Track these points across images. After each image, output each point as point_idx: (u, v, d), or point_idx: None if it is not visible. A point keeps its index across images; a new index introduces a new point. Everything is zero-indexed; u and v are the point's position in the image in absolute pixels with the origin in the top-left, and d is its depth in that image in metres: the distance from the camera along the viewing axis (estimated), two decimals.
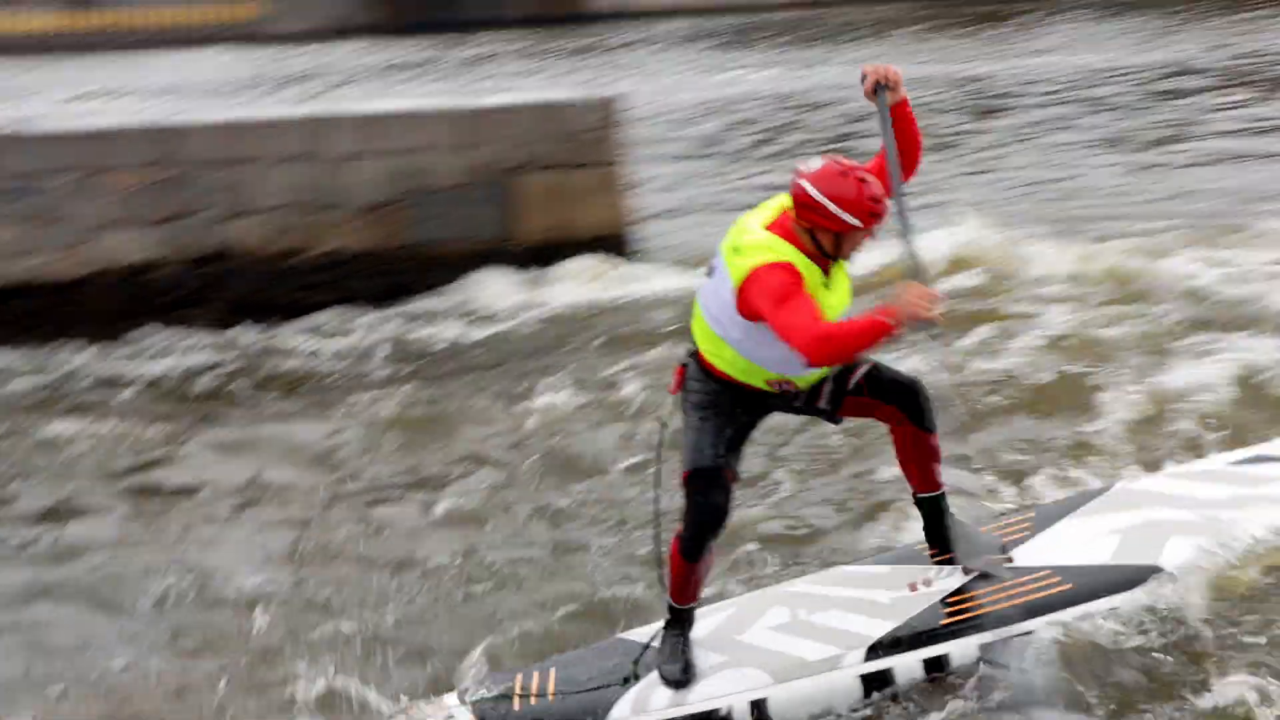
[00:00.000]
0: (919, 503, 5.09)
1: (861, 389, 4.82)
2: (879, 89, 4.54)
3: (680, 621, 4.85)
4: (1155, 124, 19.15)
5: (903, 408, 4.84)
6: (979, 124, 20.80)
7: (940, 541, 5.07)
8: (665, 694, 4.70)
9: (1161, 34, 31.83)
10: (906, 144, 4.59)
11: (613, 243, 12.32)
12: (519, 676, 4.93)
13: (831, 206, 4.36)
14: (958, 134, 19.69)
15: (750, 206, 4.74)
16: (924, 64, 28.81)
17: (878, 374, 4.84)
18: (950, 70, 27.46)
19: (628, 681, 4.76)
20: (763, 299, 4.36)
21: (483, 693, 4.85)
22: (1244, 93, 21.02)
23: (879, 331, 4.20)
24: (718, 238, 4.70)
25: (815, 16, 49.28)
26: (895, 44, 36.91)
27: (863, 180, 4.38)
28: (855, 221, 4.37)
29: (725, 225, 4.74)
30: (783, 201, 4.57)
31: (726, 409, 4.72)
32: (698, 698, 4.68)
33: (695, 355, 4.78)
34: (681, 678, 4.73)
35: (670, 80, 31.09)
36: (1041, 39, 34.26)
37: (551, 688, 4.81)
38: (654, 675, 4.76)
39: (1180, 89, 22.18)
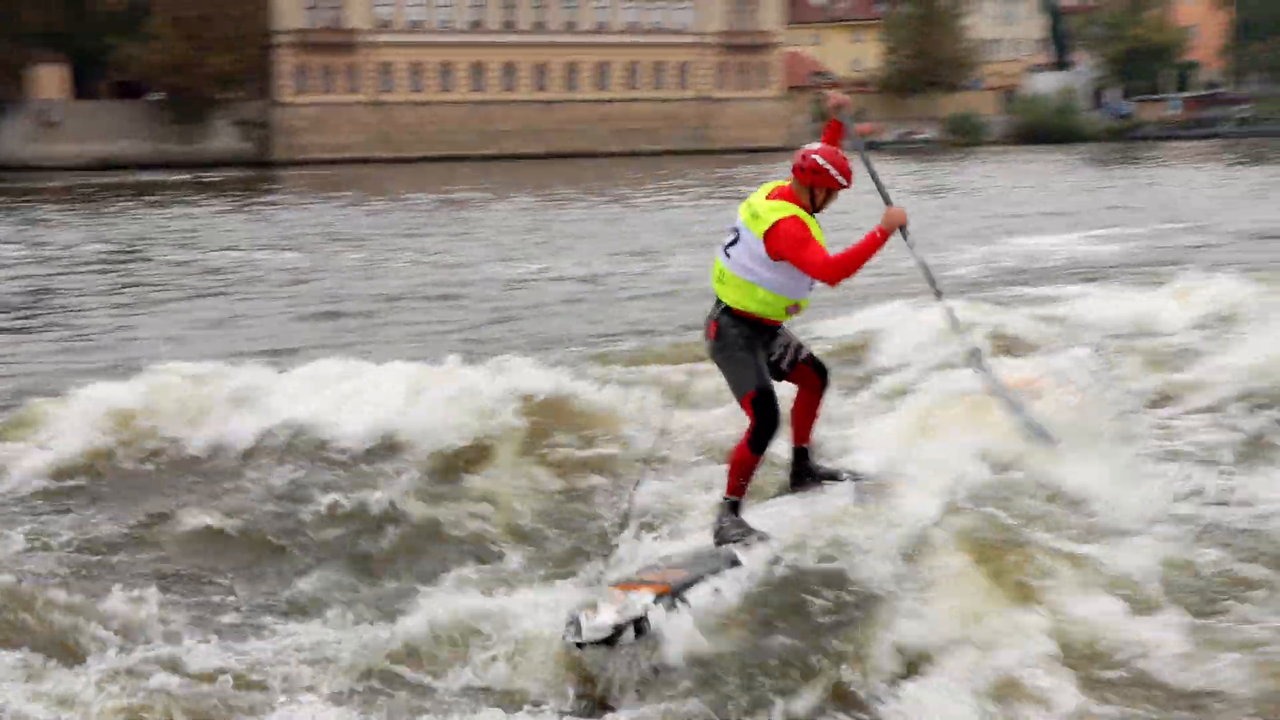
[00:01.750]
0: (796, 451, 7.34)
1: (803, 362, 7.10)
2: (839, 111, 7.18)
3: (737, 508, 6.81)
4: None
5: (820, 379, 7.19)
6: None
7: (799, 483, 7.35)
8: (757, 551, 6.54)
9: None
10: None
11: None
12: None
13: (833, 171, 6.73)
14: None
15: None
16: None
17: (812, 356, 7.17)
18: None
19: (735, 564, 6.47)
20: (788, 244, 6.57)
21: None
22: None
23: (876, 244, 6.59)
24: None
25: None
26: None
27: (845, 157, 6.82)
28: (844, 181, 6.78)
29: None
30: (775, 183, 6.86)
31: (758, 344, 6.86)
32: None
33: (726, 309, 6.85)
34: (760, 536, 6.63)
35: None
36: None
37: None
38: (744, 544, 6.59)
39: None
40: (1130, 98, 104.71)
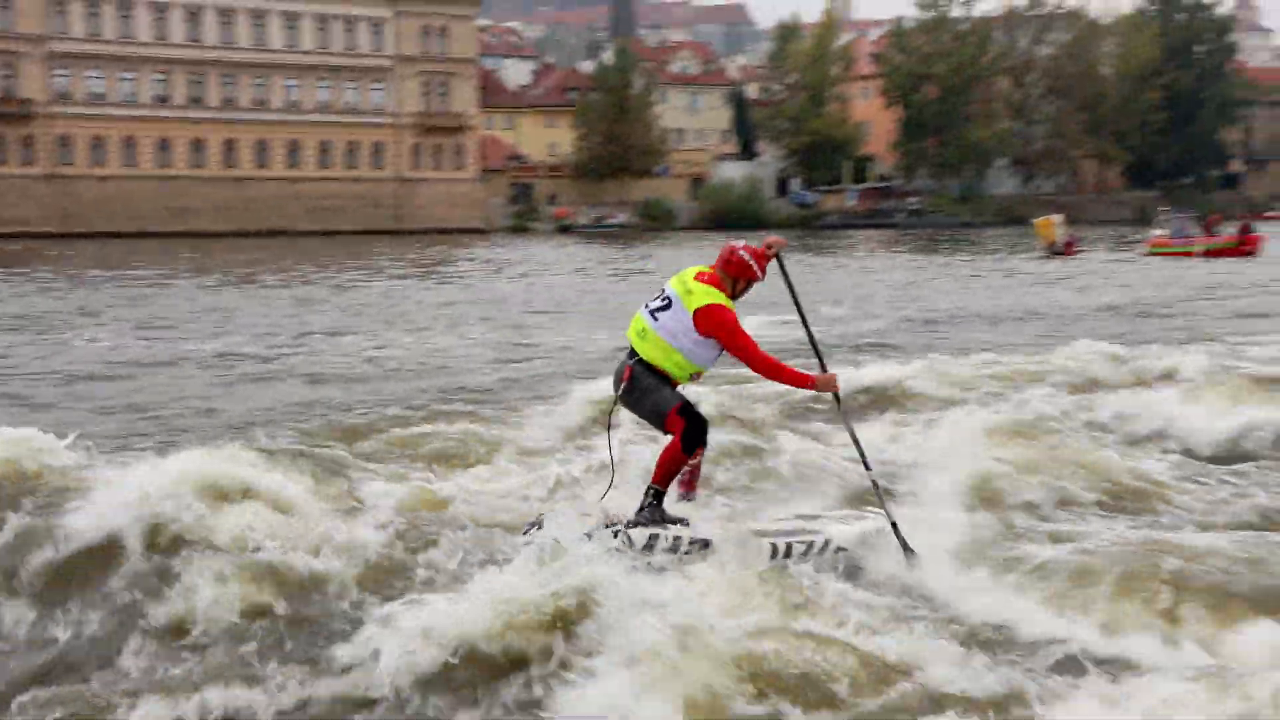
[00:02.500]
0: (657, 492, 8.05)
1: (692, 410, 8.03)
2: (776, 249, 8.33)
3: (661, 497, 7.91)
4: None
5: (702, 431, 8.01)
6: None
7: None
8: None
9: None
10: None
11: None
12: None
13: (755, 267, 8.05)
14: None
15: None
16: None
17: (697, 408, 8.09)
18: None
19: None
20: (723, 328, 7.78)
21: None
22: None
23: (802, 383, 8.05)
24: None
25: None
26: None
27: (764, 256, 8.12)
28: (762, 276, 8.12)
29: None
30: (699, 268, 8.10)
31: (668, 385, 7.96)
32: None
33: (640, 360, 7.97)
34: (670, 520, 7.85)
35: None
36: None
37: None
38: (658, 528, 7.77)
39: None
40: (812, 188, 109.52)
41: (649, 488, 7.96)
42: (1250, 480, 10.58)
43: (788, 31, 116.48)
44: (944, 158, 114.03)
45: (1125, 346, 17.95)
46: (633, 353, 8.06)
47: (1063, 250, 52.48)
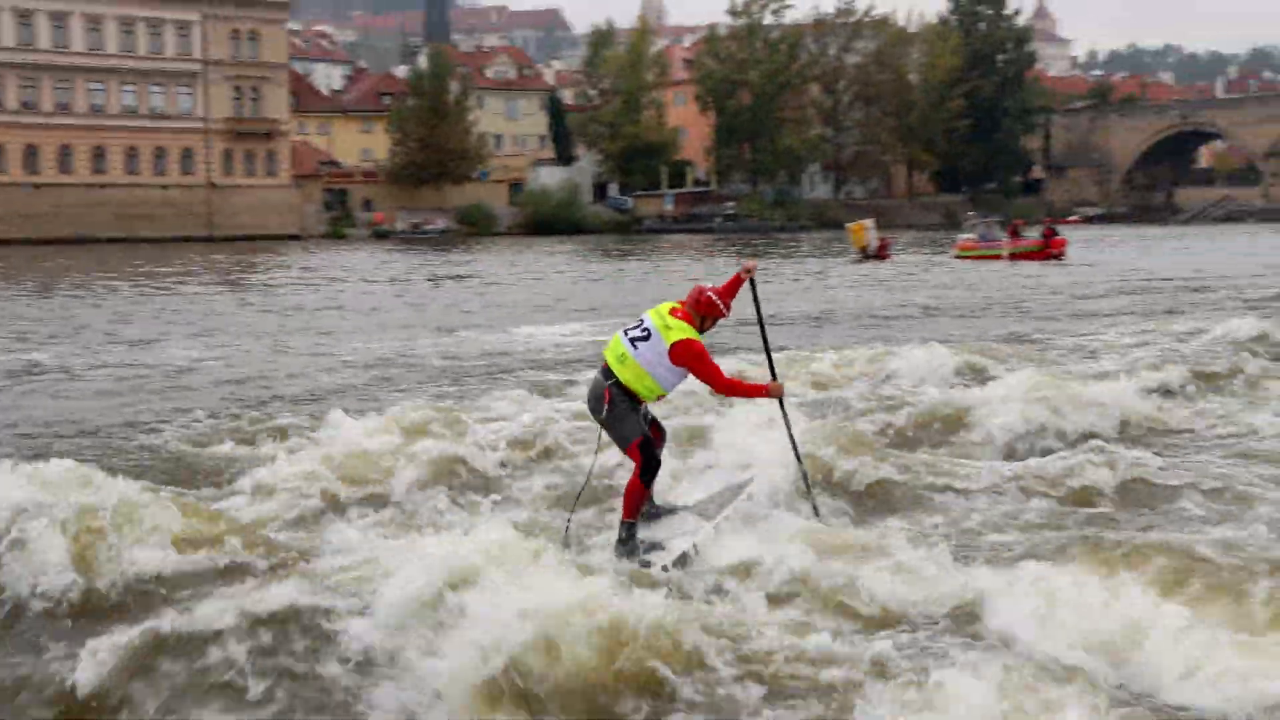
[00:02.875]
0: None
1: (652, 422, 9.30)
2: (749, 272, 9.61)
3: (634, 529, 9.00)
4: None
5: (660, 435, 9.41)
6: None
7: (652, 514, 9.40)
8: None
9: None
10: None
11: None
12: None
13: (721, 306, 9.09)
14: None
15: None
16: None
17: (655, 419, 9.36)
18: None
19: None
20: (694, 359, 8.84)
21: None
22: None
23: (758, 393, 9.39)
24: None
25: None
26: None
27: (726, 296, 9.24)
28: (726, 313, 9.14)
29: None
30: (671, 304, 9.13)
31: (634, 409, 9.00)
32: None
33: (616, 383, 8.95)
34: (644, 556, 8.85)
35: None
36: None
37: None
38: (641, 558, 8.83)
39: None
40: (630, 193, 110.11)
41: (622, 523, 9.08)
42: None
43: (602, 37, 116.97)
44: (758, 163, 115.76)
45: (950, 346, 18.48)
46: (609, 372, 9.02)
47: (875, 254, 53.63)
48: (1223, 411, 14.46)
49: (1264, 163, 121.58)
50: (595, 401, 9.08)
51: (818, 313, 29.61)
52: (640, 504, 9.06)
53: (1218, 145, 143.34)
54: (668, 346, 8.86)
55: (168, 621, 7.05)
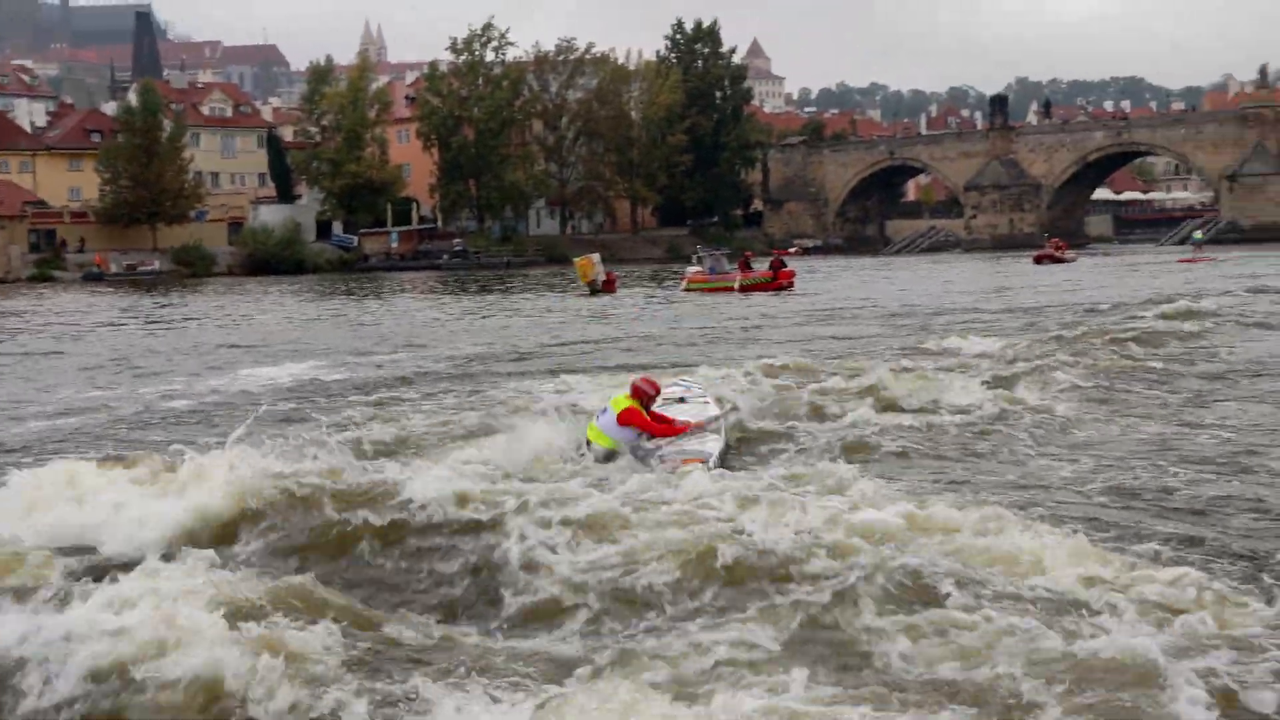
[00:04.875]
0: None
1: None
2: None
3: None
4: None
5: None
6: None
7: None
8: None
9: None
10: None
11: None
12: None
13: (653, 393, 13.95)
14: None
15: None
16: None
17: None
18: None
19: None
20: (638, 421, 13.48)
21: None
22: None
23: (684, 430, 13.82)
24: None
25: None
26: None
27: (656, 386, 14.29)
28: (655, 395, 14.04)
29: None
30: (625, 393, 13.83)
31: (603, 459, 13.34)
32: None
33: (588, 442, 13.54)
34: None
35: None
36: None
37: None
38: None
39: None
40: (354, 230, 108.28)
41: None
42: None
43: (321, 73, 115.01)
44: (484, 199, 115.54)
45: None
46: (590, 443, 13.56)
47: (602, 287, 53.97)
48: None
49: (964, 195, 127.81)
50: (594, 455, 13.40)
51: (555, 341, 29.50)
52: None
53: (923, 179, 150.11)
54: (615, 415, 13.46)
55: None
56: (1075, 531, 9.70)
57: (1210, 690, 6.79)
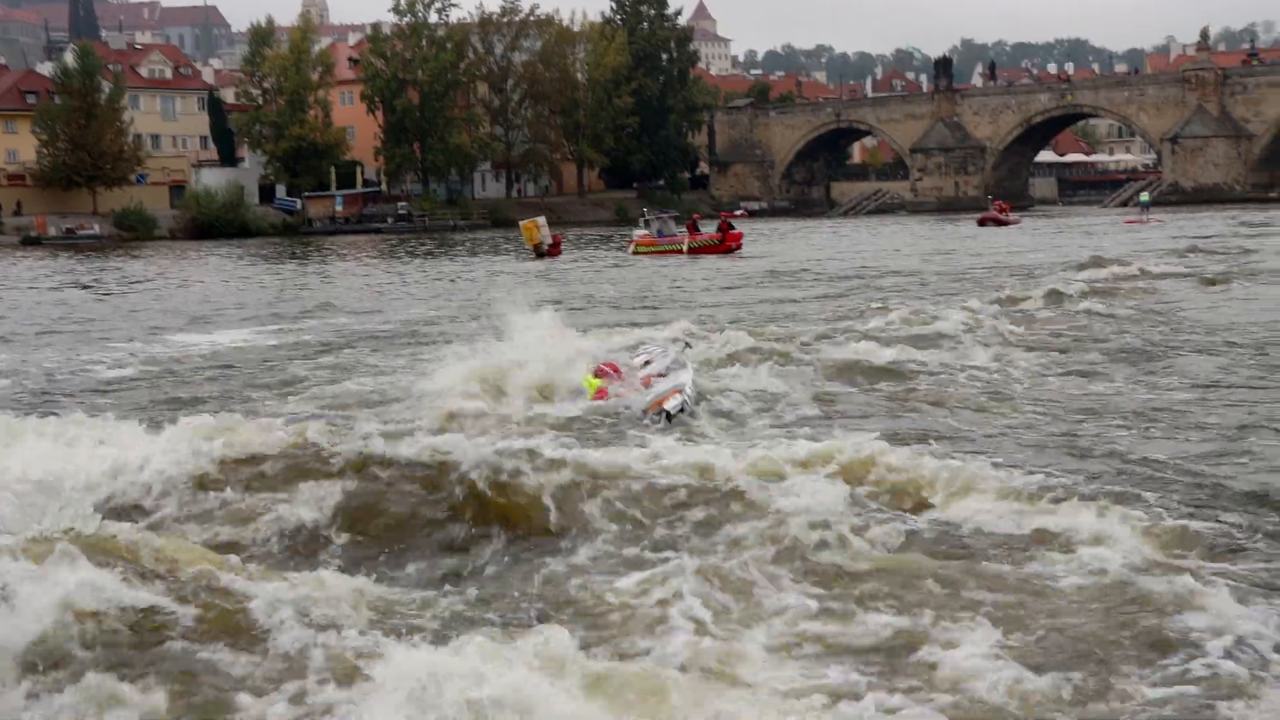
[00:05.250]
0: None
1: None
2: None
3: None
4: None
5: None
6: None
7: None
8: None
9: None
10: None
11: None
12: None
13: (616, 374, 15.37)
14: None
15: None
16: None
17: None
18: None
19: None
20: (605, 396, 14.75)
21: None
22: None
23: (646, 384, 15.14)
24: None
25: None
26: None
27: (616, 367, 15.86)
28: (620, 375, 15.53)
29: None
30: (590, 375, 15.17)
31: None
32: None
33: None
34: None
35: None
36: None
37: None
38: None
39: None
40: (298, 194, 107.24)
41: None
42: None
43: (262, 35, 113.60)
44: (429, 162, 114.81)
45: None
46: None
47: (547, 251, 53.81)
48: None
49: (910, 158, 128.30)
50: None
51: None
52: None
53: (869, 141, 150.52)
54: (591, 395, 14.46)
55: None
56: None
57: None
